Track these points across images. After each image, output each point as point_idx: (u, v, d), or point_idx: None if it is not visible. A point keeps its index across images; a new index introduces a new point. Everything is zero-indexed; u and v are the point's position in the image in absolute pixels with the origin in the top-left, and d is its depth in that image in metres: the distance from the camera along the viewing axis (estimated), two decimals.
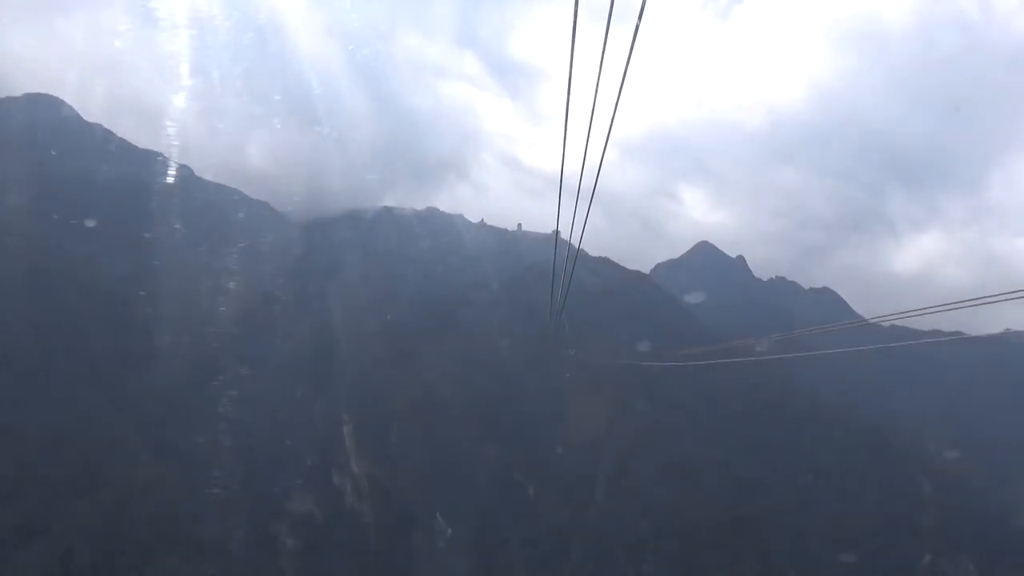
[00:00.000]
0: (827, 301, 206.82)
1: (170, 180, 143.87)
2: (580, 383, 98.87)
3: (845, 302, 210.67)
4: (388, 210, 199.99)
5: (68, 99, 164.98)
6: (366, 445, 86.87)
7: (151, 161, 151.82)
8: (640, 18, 11.20)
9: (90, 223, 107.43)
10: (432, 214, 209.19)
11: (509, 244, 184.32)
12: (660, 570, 75.85)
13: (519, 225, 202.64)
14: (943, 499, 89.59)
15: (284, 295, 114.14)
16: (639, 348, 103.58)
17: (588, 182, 16.48)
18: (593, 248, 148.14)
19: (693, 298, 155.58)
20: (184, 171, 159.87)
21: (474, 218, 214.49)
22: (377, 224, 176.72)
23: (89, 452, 67.94)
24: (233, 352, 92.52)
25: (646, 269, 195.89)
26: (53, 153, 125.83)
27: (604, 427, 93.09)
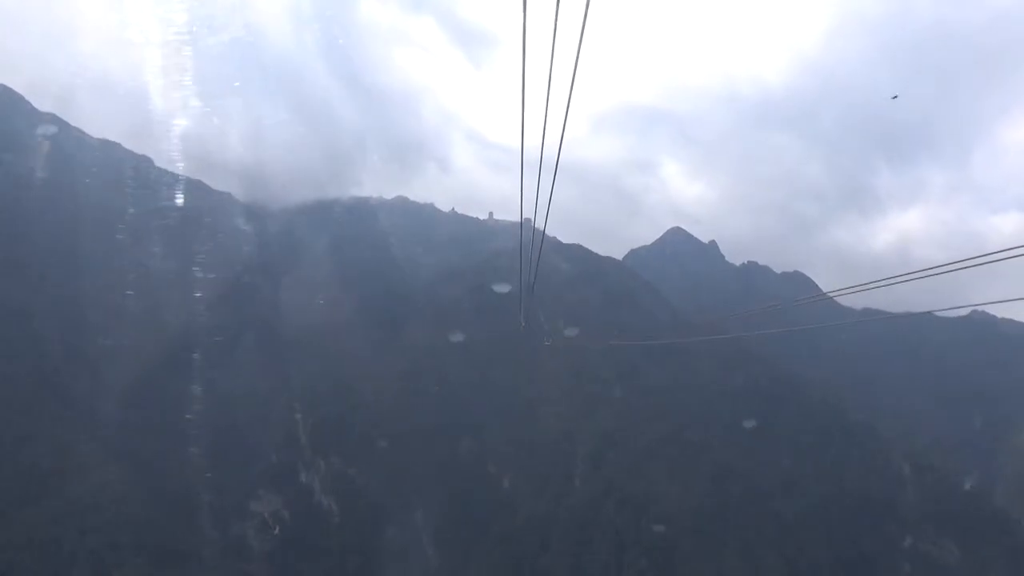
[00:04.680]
0: (799, 285, 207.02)
1: (128, 171, 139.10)
2: (555, 371, 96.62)
3: (816, 285, 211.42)
4: (356, 200, 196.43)
5: (19, 88, 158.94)
6: (334, 440, 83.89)
7: (108, 152, 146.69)
8: None
9: (40, 216, 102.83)
10: (402, 203, 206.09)
11: (480, 232, 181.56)
12: (642, 559, 73.88)
13: (490, 213, 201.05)
14: (923, 481, 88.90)
15: (246, 287, 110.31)
16: (614, 334, 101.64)
17: (560, 159, 13.91)
18: (566, 234, 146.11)
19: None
20: (143, 162, 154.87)
21: (445, 206, 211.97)
22: (345, 214, 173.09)
23: (38, 458, 64.09)
24: (193, 349, 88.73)
25: (619, 254, 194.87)
26: (2, 145, 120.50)
27: (580, 415, 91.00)
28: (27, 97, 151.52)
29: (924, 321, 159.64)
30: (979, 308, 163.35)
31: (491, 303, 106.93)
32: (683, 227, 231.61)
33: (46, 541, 57.57)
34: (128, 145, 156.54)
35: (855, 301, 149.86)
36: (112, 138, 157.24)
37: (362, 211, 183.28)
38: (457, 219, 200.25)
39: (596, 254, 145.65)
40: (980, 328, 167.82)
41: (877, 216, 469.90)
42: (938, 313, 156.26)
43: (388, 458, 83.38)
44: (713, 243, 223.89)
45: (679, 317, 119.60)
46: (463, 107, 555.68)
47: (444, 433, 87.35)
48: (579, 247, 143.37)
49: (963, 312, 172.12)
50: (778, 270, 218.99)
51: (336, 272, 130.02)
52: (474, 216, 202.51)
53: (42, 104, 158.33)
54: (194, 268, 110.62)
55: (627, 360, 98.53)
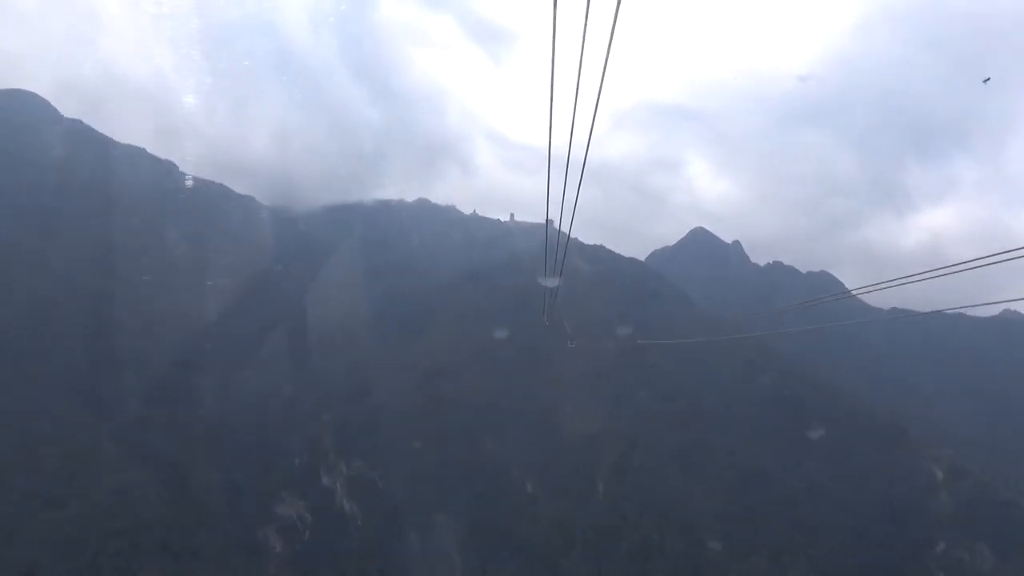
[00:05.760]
0: (825, 284, 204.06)
1: (152, 176, 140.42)
2: (578, 373, 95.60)
3: (843, 285, 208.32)
4: (379, 202, 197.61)
5: (47, 95, 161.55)
6: (356, 443, 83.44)
7: (132, 157, 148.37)
8: None
9: (66, 222, 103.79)
10: (423, 206, 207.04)
11: (501, 234, 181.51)
12: (666, 566, 72.73)
13: (511, 215, 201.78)
14: (955, 485, 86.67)
15: (269, 291, 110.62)
16: (636, 335, 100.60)
17: (580, 158, 13.24)
18: (587, 235, 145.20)
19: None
20: (167, 166, 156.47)
21: (467, 208, 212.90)
22: (368, 217, 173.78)
23: (62, 460, 64.38)
24: (216, 351, 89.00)
25: (642, 254, 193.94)
26: (28, 150, 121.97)
27: (604, 418, 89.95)
28: (53, 103, 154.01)
29: (954, 321, 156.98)
30: (1010, 307, 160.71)
31: (514, 305, 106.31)
32: (706, 227, 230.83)
33: (70, 543, 57.71)
34: (152, 150, 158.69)
35: (883, 301, 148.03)
36: (137, 143, 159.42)
37: (385, 214, 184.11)
38: (478, 221, 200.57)
39: (618, 255, 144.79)
40: (1011, 327, 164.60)
41: (907, 214, 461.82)
42: (968, 313, 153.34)
43: (410, 461, 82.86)
44: (737, 243, 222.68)
45: (703, 318, 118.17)
46: (484, 106, 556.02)
47: (466, 436, 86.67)
48: (601, 248, 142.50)
49: (994, 312, 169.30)
50: (804, 270, 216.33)
51: (358, 275, 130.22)
52: (495, 218, 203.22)
53: (68, 110, 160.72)
54: (218, 271, 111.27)
55: (650, 363, 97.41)
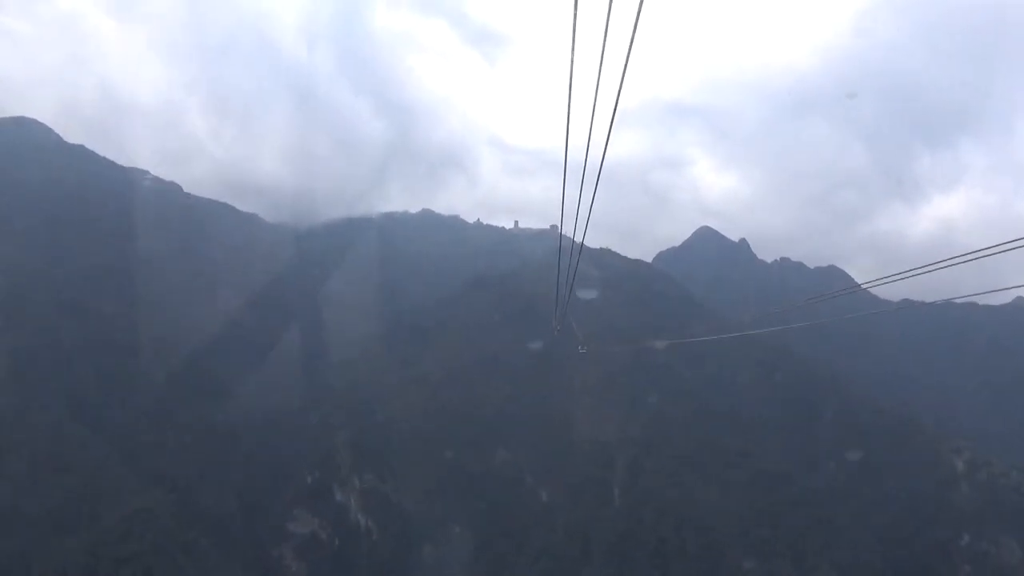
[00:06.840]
0: (833, 279, 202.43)
1: (156, 197, 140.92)
2: (588, 379, 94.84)
3: (852, 279, 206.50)
4: (384, 216, 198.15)
5: (50, 122, 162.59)
6: (368, 456, 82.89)
7: (136, 179, 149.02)
8: None
9: (71, 245, 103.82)
10: (427, 216, 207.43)
11: (507, 241, 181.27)
12: (686, 569, 71.64)
13: (516, 222, 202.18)
14: (976, 477, 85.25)
15: (276, 307, 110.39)
16: (646, 338, 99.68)
17: (591, 162, 12.65)
18: (593, 238, 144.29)
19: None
20: (171, 187, 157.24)
21: (470, 216, 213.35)
22: (371, 230, 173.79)
23: (73, 487, 63.93)
24: (225, 369, 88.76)
25: (648, 256, 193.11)
26: (31, 176, 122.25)
27: (616, 422, 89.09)
28: (55, 129, 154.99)
29: (966, 311, 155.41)
30: (1023, 295, 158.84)
31: (521, 312, 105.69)
32: (712, 225, 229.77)
33: (81, 571, 57.23)
34: (156, 172, 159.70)
35: (894, 293, 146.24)
36: (140, 165, 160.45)
37: (390, 227, 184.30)
38: (483, 229, 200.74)
39: (625, 258, 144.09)
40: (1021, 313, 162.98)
41: (917, 204, 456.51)
42: (980, 301, 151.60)
43: (423, 473, 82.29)
44: (743, 241, 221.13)
45: (711, 318, 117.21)
46: (481, 111, 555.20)
47: (478, 445, 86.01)
48: (608, 251, 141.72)
49: (1006, 299, 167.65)
50: (812, 265, 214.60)
51: (366, 288, 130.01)
52: (499, 225, 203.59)
53: (70, 135, 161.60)
54: (224, 289, 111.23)
55: (661, 365, 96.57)
